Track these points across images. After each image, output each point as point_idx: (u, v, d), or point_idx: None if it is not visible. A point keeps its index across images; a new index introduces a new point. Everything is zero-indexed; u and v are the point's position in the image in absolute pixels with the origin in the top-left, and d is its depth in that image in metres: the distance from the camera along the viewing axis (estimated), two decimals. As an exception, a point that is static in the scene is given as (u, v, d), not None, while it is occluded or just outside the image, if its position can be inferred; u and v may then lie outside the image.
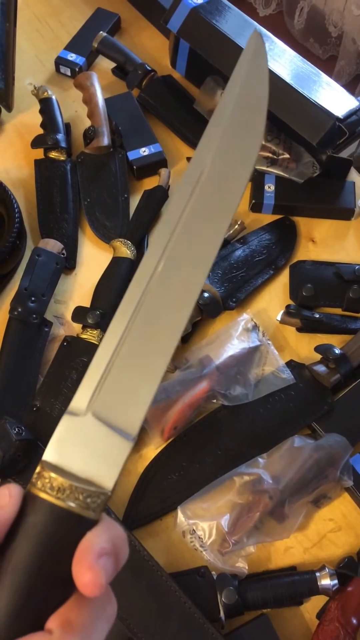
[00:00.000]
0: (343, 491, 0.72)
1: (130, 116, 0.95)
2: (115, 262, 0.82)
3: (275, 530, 0.68)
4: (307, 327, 0.81)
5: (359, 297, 0.82)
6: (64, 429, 0.29)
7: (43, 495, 0.28)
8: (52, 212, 0.88)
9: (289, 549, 0.69)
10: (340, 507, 0.71)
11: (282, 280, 0.86)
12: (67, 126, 0.95)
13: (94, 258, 0.87)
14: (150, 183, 0.92)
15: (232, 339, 0.78)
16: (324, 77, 0.87)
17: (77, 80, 0.96)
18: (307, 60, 0.89)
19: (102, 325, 0.78)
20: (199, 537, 0.67)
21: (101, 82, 0.96)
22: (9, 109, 0.97)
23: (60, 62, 1.02)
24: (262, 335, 0.79)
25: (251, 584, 0.65)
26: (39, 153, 0.92)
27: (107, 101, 0.95)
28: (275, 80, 0.85)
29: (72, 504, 0.27)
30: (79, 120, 0.98)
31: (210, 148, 0.33)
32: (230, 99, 0.34)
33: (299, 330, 0.81)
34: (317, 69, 0.88)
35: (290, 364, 0.78)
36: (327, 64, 1.95)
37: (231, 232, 0.86)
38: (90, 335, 0.78)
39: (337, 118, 0.82)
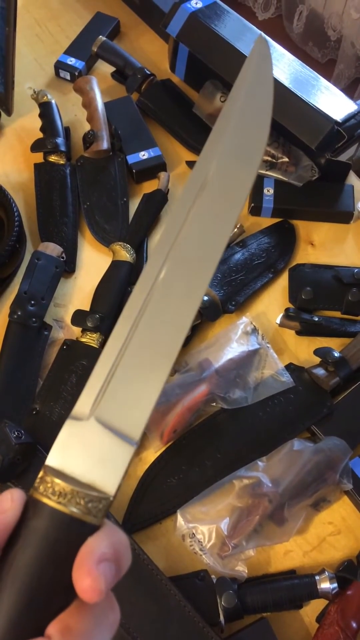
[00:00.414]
0: (342, 494, 0.72)
1: (129, 120, 0.95)
2: (115, 265, 0.83)
3: (275, 533, 0.68)
4: (306, 330, 0.81)
5: (358, 300, 0.82)
6: (67, 433, 0.29)
7: (45, 500, 0.28)
8: (52, 215, 0.88)
9: (289, 552, 0.69)
10: (339, 510, 0.71)
11: (282, 283, 0.86)
12: (67, 130, 0.95)
13: (93, 261, 0.87)
14: (149, 187, 0.92)
15: (231, 342, 0.78)
16: (323, 81, 0.88)
17: (77, 85, 0.96)
18: (306, 64, 0.89)
19: (102, 328, 0.78)
20: (199, 541, 0.67)
21: (100, 86, 0.96)
22: (9, 112, 0.97)
23: (59, 66, 1.02)
24: (262, 338, 0.79)
25: (251, 588, 0.65)
26: (38, 157, 0.92)
27: (107, 105, 0.95)
28: (274, 84, 0.85)
29: (73, 509, 0.27)
30: (78, 124, 0.98)
31: (214, 153, 0.33)
32: (235, 104, 0.34)
33: (298, 333, 0.82)
34: (316, 73, 0.88)
35: (290, 367, 0.78)
36: (326, 68, 1.95)
37: (230, 235, 0.86)
38: (89, 339, 0.78)
39: (336, 122, 0.82)
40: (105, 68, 1.04)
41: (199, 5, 0.92)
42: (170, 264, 0.31)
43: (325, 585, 0.64)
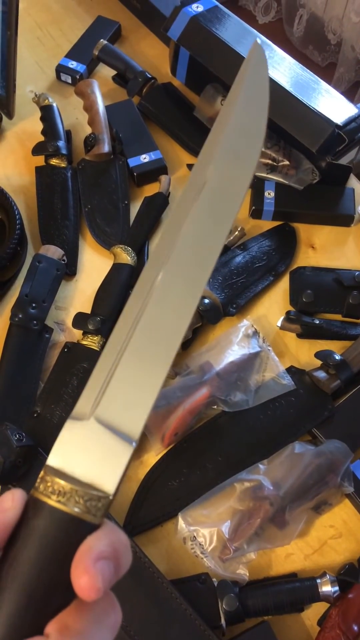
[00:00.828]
0: (344, 497, 0.72)
1: (130, 123, 0.96)
2: (116, 268, 0.83)
3: (276, 536, 0.68)
4: (307, 333, 0.81)
5: (359, 303, 0.82)
6: (67, 433, 0.30)
7: (45, 499, 0.28)
8: (53, 218, 0.88)
9: (290, 555, 0.69)
10: (341, 513, 0.71)
11: (282, 286, 0.86)
12: (68, 133, 0.96)
13: (94, 264, 0.87)
14: (150, 190, 0.92)
15: (232, 345, 0.78)
16: (323, 85, 0.88)
17: (78, 88, 0.96)
18: (307, 68, 0.90)
19: (103, 331, 0.78)
20: (200, 544, 0.67)
21: (102, 89, 0.96)
22: (10, 116, 0.97)
23: (61, 69, 1.02)
24: (263, 341, 0.79)
25: (252, 591, 0.65)
26: (39, 160, 0.92)
27: (108, 108, 0.95)
28: (274, 87, 0.85)
29: (73, 508, 0.28)
30: (79, 128, 0.98)
31: (211, 157, 0.33)
32: (232, 108, 0.34)
33: (299, 336, 0.82)
34: (317, 77, 0.89)
35: (291, 370, 0.78)
36: (326, 71, 1.96)
37: (231, 238, 0.86)
38: (90, 342, 0.78)
39: (337, 125, 0.82)
40: (106, 71, 1.04)
41: (200, 9, 0.92)
42: (168, 267, 0.32)
43: (327, 588, 0.64)
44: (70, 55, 1.04)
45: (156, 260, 0.32)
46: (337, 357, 0.76)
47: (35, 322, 0.77)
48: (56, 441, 0.30)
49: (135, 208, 0.91)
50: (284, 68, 0.88)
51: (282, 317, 0.82)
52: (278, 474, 0.70)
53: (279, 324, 0.82)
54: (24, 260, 0.85)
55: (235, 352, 0.77)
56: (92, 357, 0.77)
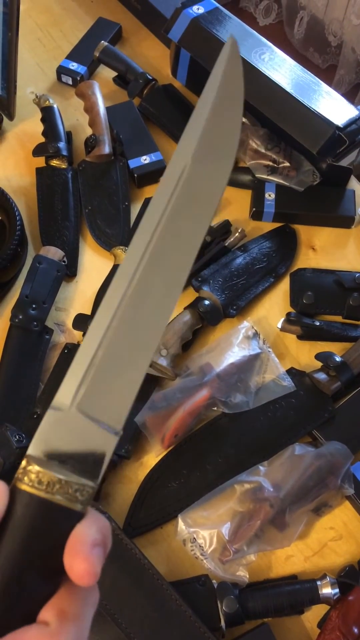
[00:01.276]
0: (344, 499, 0.72)
1: (131, 125, 0.96)
2: (116, 269, 0.83)
3: (276, 538, 0.68)
4: (308, 334, 0.81)
5: (359, 304, 0.82)
6: (48, 423, 0.29)
7: (31, 490, 0.28)
8: (53, 219, 0.88)
9: (290, 557, 0.69)
10: (341, 515, 0.71)
11: (283, 288, 0.86)
12: (69, 134, 0.96)
13: (94, 265, 0.87)
14: (151, 191, 0.92)
15: (232, 346, 0.78)
16: (324, 86, 0.88)
17: (79, 89, 0.96)
18: (307, 69, 0.90)
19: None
20: (200, 546, 0.67)
21: (102, 91, 0.96)
22: (11, 117, 0.97)
23: (61, 71, 1.02)
24: (263, 342, 0.79)
25: (252, 593, 0.64)
26: (40, 161, 0.92)
27: (109, 110, 0.95)
28: (275, 89, 0.85)
29: (60, 498, 0.28)
30: (80, 129, 0.98)
31: (189, 148, 0.33)
32: (208, 100, 0.34)
33: (300, 337, 0.82)
34: (317, 78, 0.89)
35: (291, 372, 0.78)
36: (326, 73, 1.96)
37: (232, 239, 0.86)
38: (91, 343, 0.78)
39: (337, 127, 0.82)
40: (107, 73, 1.04)
41: (201, 11, 0.92)
42: (149, 258, 0.31)
43: (327, 590, 0.64)
44: (71, 56, 1.04)
45: (137, 249, 0.32)
46: (338, 359, 0.76)
47: (35, 323, 0.77)
48: (37, 431, 0.29)
49: (135, 209, 0.91)
50: (284, 70, 0.88)
51: (282, 319, 0.82)
52: (278, 475, 0.69)
53: (279, 325, 0.82)
54: (25, 261, 0.85)
55: (235, 353, 0.77)
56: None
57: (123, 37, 1.10)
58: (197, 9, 0.93)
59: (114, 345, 0.31)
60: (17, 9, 0.86)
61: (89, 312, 0.80)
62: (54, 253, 0.82)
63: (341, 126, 0.83)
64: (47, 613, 0.27)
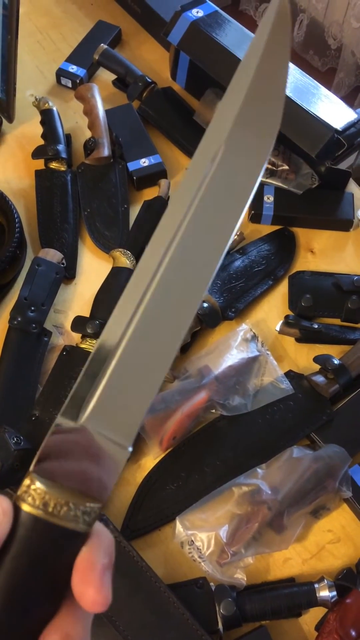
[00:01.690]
0: (342, 502, 0.72)
1: (130, 127, 0.96)
2: (115, 272, 0.83)
3: (274, 541, 0.68)
4: (306, 337, 0.81)
5: (358, 307, 0.82)
6: (54, 438, 0.27)
7: (36, 512, 0.26)
8: (53, 222, 0.88)
9: (288, 560, 0.69)
10: (339, 518, 0.71)
11: (281, 290, 0.86)
12: (68, 137, 0.96)
13: (93, 268, 0.87)
14: (150, 194, 0.92)
15: (231, 349, 0.78)
16: (323, 90, 0.88)
17: (78, 92, 0.96)
18: (307, 73, 0.90)
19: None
20: (198, 548, 0.67)
21: (102, 93, 0.96)
22: (10, 120, 0.98)
23: (61, 73, 1.03)
24: (261, 345, 0.79)
25: (250, 596, 0.64)
26: (39, 164, 0.93)
27: (108, 112, 0.95)
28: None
29: (66, 521, 0.26)
30: (79, 131, 0.98)
31: (221, 134, 0.30)
32: (247, 75, 0.30)
33: (298, 340, 0.82)
34: (316, 82, 0.89)
35: (289, 374, 0.78)
36: (326, 76, 1.97)
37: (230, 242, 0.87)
38: (89, 345, 0.78)
39: (336, 130, 0.82)
40: (106, 76, 1.04)
41: (200, 14, 0.93)
42: (169, 262, 0.29)
43: (324, 593, 0.64)
44: (70, 59, 1.04)
45: (157, 251, 0.29)
46: (336, 362, 0.76)
47: (34, 325, 0.77)
48: (42, 446, 0.27)
49: (134, 212, 0.91)
50: (283, 73, 0.88)
51: (281, 322, 0.82)
52: (276, 478, 0.70)
53: (277, 328, 0.82)
54: (23, 263, 0.85)
55: (234, 356, 0.77)
56: (91, 360, 0.77)
57: (122, 40, 1.10)
58: (197, 12, 0.93)
59: (126, 359, 0.28)
60: (16, 11, 0.86)
61: (87, 315, 0.80)
62: (53, 255, 0.82)
63: (340, 129, 0.83)
64: (52, 636, 0.26)
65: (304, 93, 0.86)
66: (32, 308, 0.78)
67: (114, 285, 0.82)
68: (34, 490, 0.26)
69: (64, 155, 0.91)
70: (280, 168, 0.90)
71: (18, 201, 0.90)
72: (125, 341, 0.28)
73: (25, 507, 0.26)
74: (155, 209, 0.89)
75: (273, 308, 0.85)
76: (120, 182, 0.92)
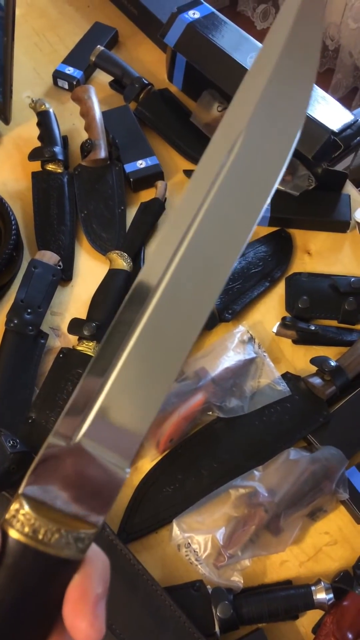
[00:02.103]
0: (339, 504, 0.72)
1: (127, 129, 0.96)
2: (112, 274, 0.83)
3: (271, 543, 0.68)
4: (303, 339, 0.81)
5: (355, 309, 0.82)
6: (46, 457, 0.25)
7: (25, 540, 0.24)
8: (49, 224, 0.88)
9: (285, 562, 0.69)
10: (336, 520, 0.71)
11: (278, 292, 0.86)
12: (65, 139, 0.96)
13: (90, 270, 0.87)
14: (147, 195, 0.92)
15: (227, 351, 0.78)
16: (320, 91, 0.88)
17: (75, 94, 0.96)
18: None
19: (98, 337, 0.78)
20: (194, 551, 0.67)
21: (98, 95, 0.96)
22: (7, 121, 0.97)
23: (58, 75, 1.02)
24: (258, 347, 0.79)
25: (246, 598, 0.64)
26: (36, 165, 0.92)
27: (105, 114, 0.95)
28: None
29: (58, 549, 0.24)
30: (76, 133, 0.98)
31: (247, 108, 0.28)
32: (277, 44, 0.28)
33: (295, 342, 0.82)
34: (313, 83, 0.89)
35: (286, 376, 0.78)
36: (323, 77, 1.97)
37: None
38: (86, 347, 0.78)
39: (332, 132, 0.82)
40: (103, 77, 1.04)
41: (197, 15, 0.93)
42: (174, 270, 0.26)
43: (321, 595, 0.64)
44: (67, 61, 1.04)
45: (163, 255, 0.26)
46: (333, 363, 0.76)
47: (30, 327, 0.77)
48: (33, 465, 0.25)
49: (131, 214, 0.91)
50: (280, 74, 0.88)
51: (277, 323, 0.82)
52: (273, 480, 0.69)
53: (274, 329, 0.82)
54: (20, 265, 0.85)
55: (230, 358, 0.77)
56: (87, 363, 0.76)
57: (119, 41, 1.10)
58: (193, 14, 0.93)
59: (127, 373, 0.26)
60: (13, 13, 0.86)
61: (84, 317, 0.80)
62: (50, 257, 0.82)
63: (336, 131, 0.83)
64: None
65: (300, 95, 0.86)
66: (29, 310, 0.78)
67: (110, 287, 0.82)
68: (23, 516, 0.24)
69: (60, 157, 0.91)
70: (277, 169, 0.90)
71: (15, 203, 0.90)
72: (125, 350, 0.26)
73: (13, 534, 0.24)
74: (152, 211, 0.89)
75: (270, 310, 0.85)
76: (117, 183, 0.92)
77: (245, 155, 0.27)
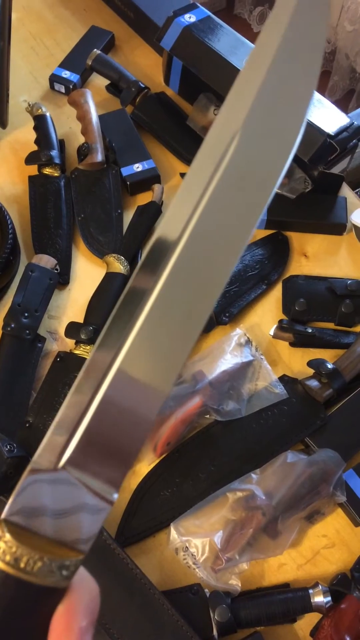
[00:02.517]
0: (336, 507, 0.72)
1: (123, 133, 0.96)
2: (109, 277, 0.83)
3: (269, 546, 0.68)
4: (300, 341, 0.81)
5: (351, 311, 0.82)
6: (29, 484, 0.24)
7: (6, 568, 0.23)
8: (46, 227, 0.88)
9: (282, 565, 0.69)
10: (333, 523, 0.71)
11: (275, 295, 0.86)
12: (61, 142, 0.96)
13: (87, 273, 0.87)
14: (143, 199, 0.92)
15: (225, 354, 0.78)
16: (316, 95, 0.88)
17: (71, 97, 0.96)
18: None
19: (95, 340, 0.78)
20: (192, 554, 0.67)
21: (95, 99, 0.96)
22: (4, 125, 0.98)
23: (54, 79, 1.03)
24: (255, 350, 0.79)
25: (244, 602, 0.64)
26: (33, 169, 0.93)
27: (101, 118, 0.95)
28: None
29: (42, 578, 0.23)
30: (73, 137, 0.98)
31: (244, 103, 0.26)
32: (277, 33, 0.27)
33: (292, 344, 0.82)
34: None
35: (283, 379, 0.78)
36: (320, 79, 1.97)
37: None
38: (83, 351, 0.78)
39: (328, 135, 0.83)
40: (99, 81, 1.04)
41: (192, 19, 0.93)
42: (156, 300, 0.25)
43: (319, 599, 0.64)
44: (63, 64, 1.04)
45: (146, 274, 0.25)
46: (330, 366, 0.76)
47: (27, 331, 0.77)
48: (15, 491, 0.24)
49: (128, 217, 0.91)
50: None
51: (274, 326, 0.82)
52: (271, 483, 0.69)
53: (271, 332, 0.82)
54: (17, 269, 0.85)
55: (227, 361, 0.77)
56: (85, 366, 0.77)
57: (116, 45, 1.10)
58: (189, 18, 0.93)
59: (114, 391, 0.25)
60: (9, 17, 0.86)
61: (81, 320, 0.80)
62: (47, 261, 0.82)
63: (332, 134, 0.83)
64: None
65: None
66: (26, 314, 0.78)
67: (107, 291, 0.82)
68: (5, 543, 0.24)
69: (57, 160, 0.91)
70: (273, 172, 0.90)
71: (11, 207, 0.90)
72: (112, 370, 0.25)
73: None
74: (149, 214, 0.89)
75: (267, 312, 0.85)
76: (113, 187, 0.92)
77: (240, 160, 0.26)
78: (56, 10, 1.14)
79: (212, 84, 0.90)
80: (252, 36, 2.20)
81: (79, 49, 1.06)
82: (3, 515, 0.24)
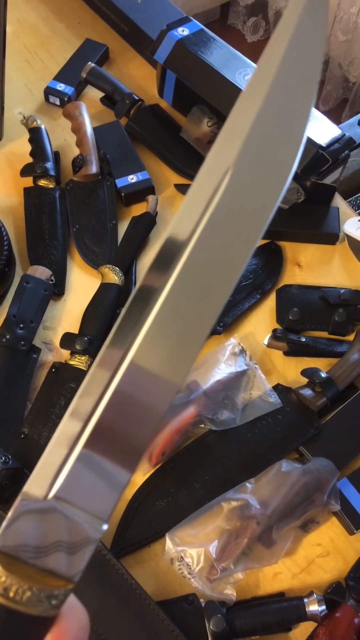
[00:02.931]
0: (331, 516, 0.72)
1: (118, 144, 0.97)
2: (104, 288, 0.83)
3: (264, 556, 0.68)
4: (294, 350, 0.81)
5: (345, 320, 0.83)
6: (19, 513, 0.25)
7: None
8: (41, 239, 0.89)
9: (277, 574, 0.69)
10: (328, 531, 0.71)
11: (269, 304, 0.87)
12: (56, 155, 0.97)
13: (82, 284, 0.88)
14: (138, 210, 0.93)
15: (219, 363, 0.78)
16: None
17: (66, 110, 0.97)
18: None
19: (90, 351, 0.78)
20: (187, 564, 0.67)
21: (90, 111, 0.97)
22: (-1, 137, 0.98)
23: (49, 91, 1.04)
24: (249, 359, 0.80)
25: (239, 611, 0.65)
26: (28, 181, 0.93)
27: (96, 130, 0.96)
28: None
29: (29, 606, 0.24)
30: (68, 149, 0.99)
31: (248, 116, 0.27)
32: (282, 45, 0.28)
33: (286, 354, 0.82)
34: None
35: (277, 388, 0.78)
36: (313, 89, 1.98)
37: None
38: (78, 362, 0.78)
39: (320, 146, 0.84)
40: (94, 93, 1.05)
41: (186, 32, 0.94)
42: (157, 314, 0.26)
43: (314, 607, 0.64)
44: (58, 77, 1.05)
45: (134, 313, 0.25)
46: (323, 375, 0.76)
47: (22, 342, 0.78)
48: (6, 521, 0.25)
49: (123, 228, 0.91)
50: (268, 90, 0.89)
51: (268, 335, 0.82)
52: (265, 492, 0.70)
53: (265, 342, 0.82)
54: (12, 280, 0.86)
55: (222, 370, 0.77)
56: (80, 377, 0.77)
57: (110, 58, 1.11)
58: (182, 31, 0.94)
59: (105, 425, 0.25)
60: (3, 30, 0.87)
61: (76, 331, 0.81)
62: (42, 272, 0.83)
63: (324, 145, 0.84)
64: None
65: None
66: (21, 325, 0.78)
67: (102, 302, 0.82)
68: None
69: (52, 172, 0.92)
70: (266, 183, 0.91)
71: (6, 218, 0.91)
72: (103, 405, 0.25)
73: None
74: (144, 225, 0.90)
75: (261, 322, 0.85)
76: (108, 198, 0.92)
77: (240, 182, 0.27)
78: (51, 24, 1.15)
79: (205, 97, 0.91)
80: (246, 46, 2.22)
81: (73, 61, 1.07)
82: None
